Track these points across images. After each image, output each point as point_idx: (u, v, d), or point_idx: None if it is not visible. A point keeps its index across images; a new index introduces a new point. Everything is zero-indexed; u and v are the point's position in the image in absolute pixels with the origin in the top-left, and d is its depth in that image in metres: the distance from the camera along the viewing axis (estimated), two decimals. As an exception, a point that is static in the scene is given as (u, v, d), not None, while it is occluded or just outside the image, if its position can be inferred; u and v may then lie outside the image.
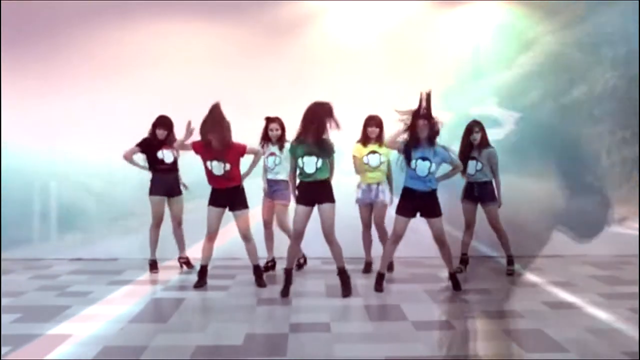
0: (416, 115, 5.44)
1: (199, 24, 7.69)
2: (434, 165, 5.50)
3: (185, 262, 6.77)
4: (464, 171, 6.24)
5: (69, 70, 7.62)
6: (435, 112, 5.52)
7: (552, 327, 4.43)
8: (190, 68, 7.55)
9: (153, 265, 6.67)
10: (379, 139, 6.27)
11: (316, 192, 5.47)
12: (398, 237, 5.71)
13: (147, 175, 6.64)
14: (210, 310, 5.16)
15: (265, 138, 6.47)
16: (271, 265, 6.67)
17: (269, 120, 6.46)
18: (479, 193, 6.34)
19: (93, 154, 7.61)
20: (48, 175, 7.66)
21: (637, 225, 7.58)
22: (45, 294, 5.71)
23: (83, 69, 7.60)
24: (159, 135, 6.52)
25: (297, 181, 5.64)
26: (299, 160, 5.44)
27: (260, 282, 5.95)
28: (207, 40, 7.68)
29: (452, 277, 5.78)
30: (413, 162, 5.51)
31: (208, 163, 5.70)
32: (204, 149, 5.66)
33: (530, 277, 6.38)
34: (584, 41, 7.81)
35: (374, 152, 6.30)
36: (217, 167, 5.69)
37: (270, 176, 6.49)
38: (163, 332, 4.42)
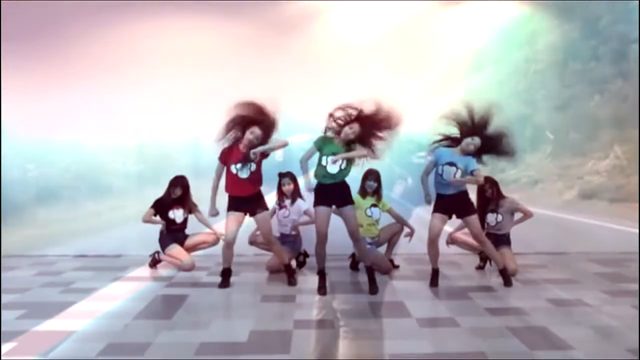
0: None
1: (202, 22, 7.66)
2: (459, 171, 5.56)
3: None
4: (482, 220, 6.42)
5: (68, 68, 7.60)
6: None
7: (556, 324, 4.43)
8: (193, 65, 7.55)
9: (154, 262, 6.73)
10: (377, 193, 6.42)
11: (336, 193, 5.38)
12: (436, 236, 5.70)
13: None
14: (214, 307, 5.16)
15: (280, 192, 6.58)
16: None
17: (280, 175, 6.57)
18: (495, 241, 6.47)
19: (94, 152, 7.68)
20: (48, 172, 7.70)
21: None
22: (50, 290, 5.72)
23: (82, 67, 7.58)
24: (173, 194, 6.59)
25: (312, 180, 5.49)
26: (323, 159, 5.33)
27: (291, 281, 5.87)
28: (210, 38, 7.66)
29: (503, 272, 5.85)
30: (440, 167, 5.62)
31: (233, 167, 5.58)
32: (229, 154, 5.57)
33: (535, 274, 6.37)
34: (589, 39, 7.80)
35: (374, 205, 6.41)
36: (243, 170, 5.58)
37: (280, 229, 6.63)
38: (167, 329, 4.43)
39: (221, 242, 6.49)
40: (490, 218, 6.51)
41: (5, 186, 7.60)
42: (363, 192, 6.43)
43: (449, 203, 5.65)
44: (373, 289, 5.45)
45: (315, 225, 5.43)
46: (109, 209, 7.62)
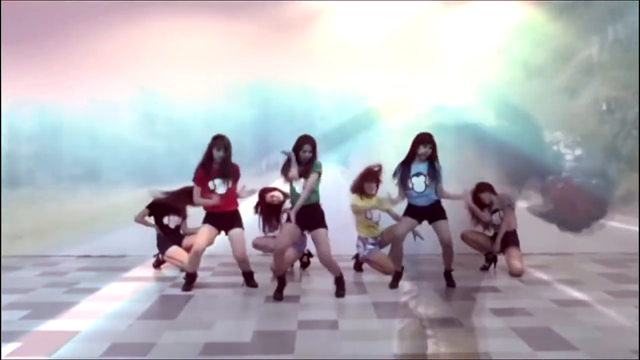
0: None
1: (203, 23, 7.67)
2: (428, 178, 5.63)
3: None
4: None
5: (72, 68, 7.61)
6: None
7: (560, 325, 4.42)
8: (194, 66, 7.55)
9: (157, 263, 6.76)
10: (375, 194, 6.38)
11: (309, 215, 5.25)
12: (401, 236, 5.81)
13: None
14: (218, 307, 5.17)
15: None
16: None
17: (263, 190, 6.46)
18: (502, 241, 6.51)
19: (95, 153, 7.72)
20: (50, 172, 7.72)
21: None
22: (54, 290, 5.74)
23: (85, 68, 7.60)
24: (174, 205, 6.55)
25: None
26: (296, 186, 5.25)
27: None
28: (213, 37, 7.66)
29: (447, 275, 5.90)
30: (409, 181, 5.67)
31: (210, 183, 5.59)
32: (206, 172, 5.56)
33: (539, 274, 6.36)
34: (596, 38, 7.77)
35: (375, 207, 6.30)
36: (221, 185, 5.61)
37: None
38: (171, 329, 4.43)
39: None
40: (495, 217, 6.55)
41: (7, 186, 7.62)
42: (362, 193, 6.25)
43: (422, 212, 5.73)
44: (341, 291, 5.42)
45: (280, 240, 5.33)
46: (112, 210, 7.62)
